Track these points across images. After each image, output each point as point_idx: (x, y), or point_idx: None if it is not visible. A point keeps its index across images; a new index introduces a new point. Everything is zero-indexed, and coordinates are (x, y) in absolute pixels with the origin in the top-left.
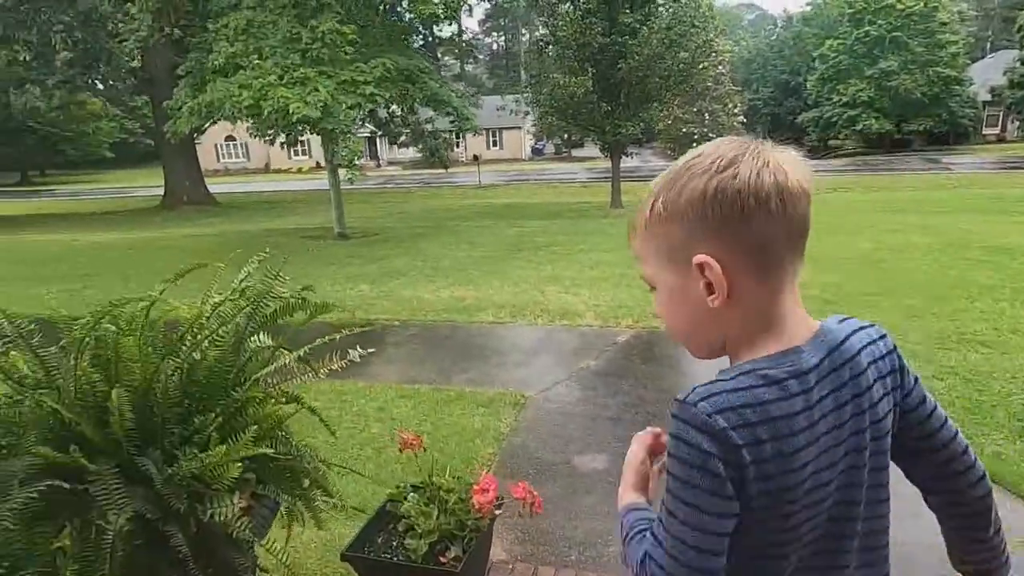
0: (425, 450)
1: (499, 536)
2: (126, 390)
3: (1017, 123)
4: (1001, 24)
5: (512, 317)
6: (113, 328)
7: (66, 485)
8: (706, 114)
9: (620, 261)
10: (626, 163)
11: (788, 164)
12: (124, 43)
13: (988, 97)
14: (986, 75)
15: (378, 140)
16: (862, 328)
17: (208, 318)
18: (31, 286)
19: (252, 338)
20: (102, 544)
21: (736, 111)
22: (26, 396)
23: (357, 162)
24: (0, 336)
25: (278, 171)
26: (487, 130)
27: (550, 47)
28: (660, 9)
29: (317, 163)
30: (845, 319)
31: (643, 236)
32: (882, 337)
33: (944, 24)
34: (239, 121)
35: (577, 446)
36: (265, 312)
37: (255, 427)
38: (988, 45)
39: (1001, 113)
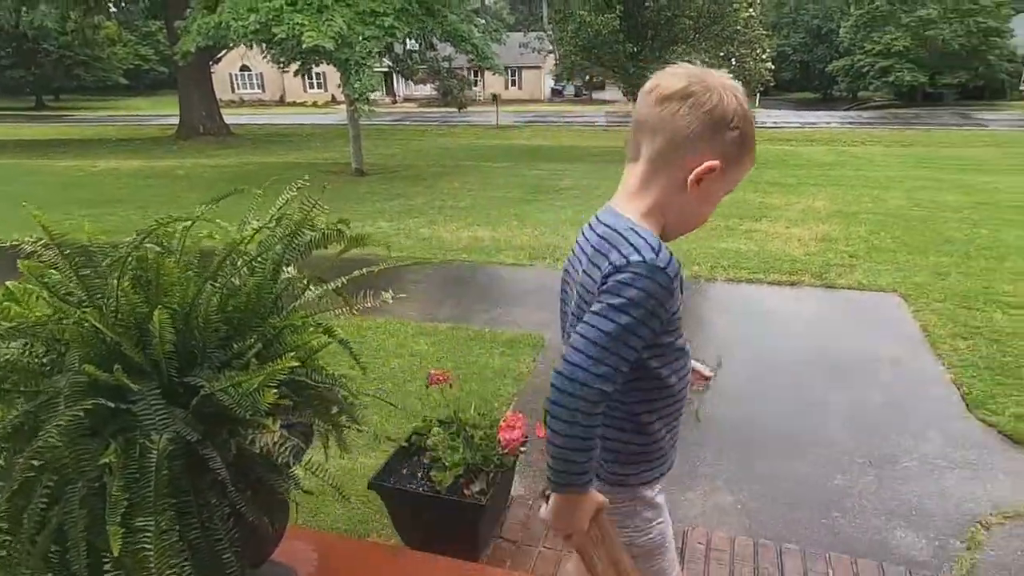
0: (452, 386)
1: (520, 473)
2: (167, 312)
3: None
4: None
5: (531, 260)
6: (157, 248)
7: (110, 404)
8: (733, 59)
9: None
10: None
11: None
12: None
13: None
14: None
15: (395, 76)
16: (624, 229)
17: (247, 244)
18: (56, 210)
19: (285, 268)
20: (146, 463)
21: (764, 57)
22: (70, 314)
23: (371, 96)
24: (43, 257)
25: (293, 104)
26: (506, 69)
27: None
28: None
29: (333, 97)
30: (629, 225)
31: None
32: (633, 249)
33: None
34: (253, 46)
35: None
36: (302, 242)
37: (293, 353)
38: None
39: None
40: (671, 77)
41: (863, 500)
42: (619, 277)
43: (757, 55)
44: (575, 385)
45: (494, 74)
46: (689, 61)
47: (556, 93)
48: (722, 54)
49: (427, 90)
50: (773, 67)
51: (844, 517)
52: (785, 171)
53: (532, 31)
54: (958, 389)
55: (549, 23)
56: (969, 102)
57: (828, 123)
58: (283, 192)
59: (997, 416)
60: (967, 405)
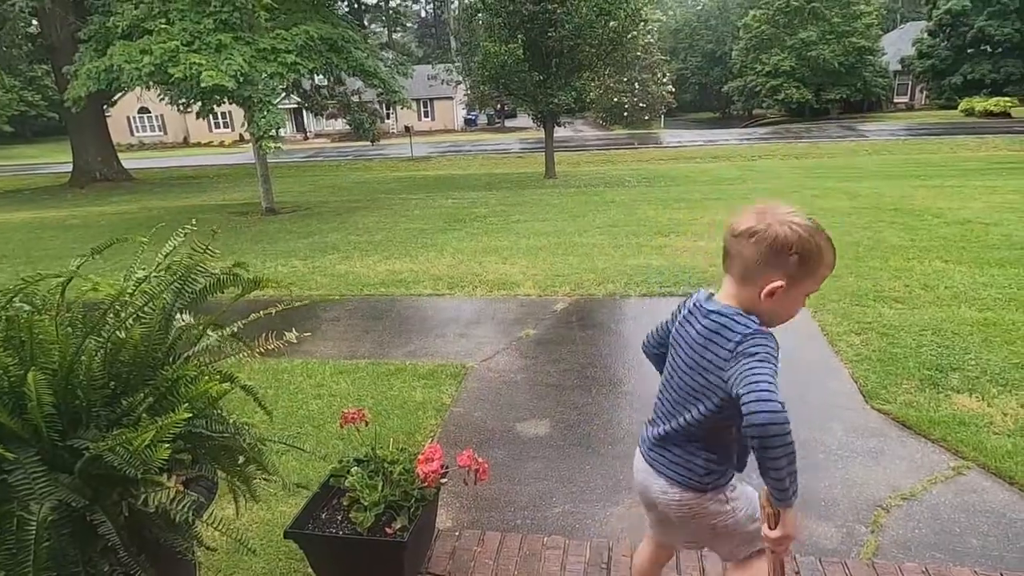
0: (368, 424)
1: (445, 505)
2: (44, 373)
3: (924, 92)
4: None
5: (450, 289)
6: (27, 307)
7: None
8: (636, 83)
9: (556, 231)
10: (559, 133)
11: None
12: (14, 4)
13: (898, 67)
14: (896, 46)
15: (305, 112)
16: (736, 318)
17: (132, 294)
18: None
19: (180, 316)
20: (24, 536)
21: (665, 80)
22: None
23: (279, 133)
24: None
25: (198, 144)
26: (418, 100)
27: (480, 15)
28: None
29: (240, 136)
30: (733, 313)
31: None
32: (744, 328)
33: None
34: (149, 88)
35: (520, 413)
36: (194, 288)
37: (187, 405)
38: (898, 17)
39: (910, 82)
40: (741, 216)
41: None
42: (748, 343)
43: (658, 79)
44: (779, 416)
45: (403, 108)
46: (595, 87)
47: (469, 122)
48: (626, 79)
49: (339, 125)
50: (674, 90)
51: None
52: (691, 187)
53: (441, 63)
54: (855, 382)
55: (456, 54)
56: (851, 115)
57: (728, 140)
58: (171, 238)
59: (890, 404)
60: (864, 396)
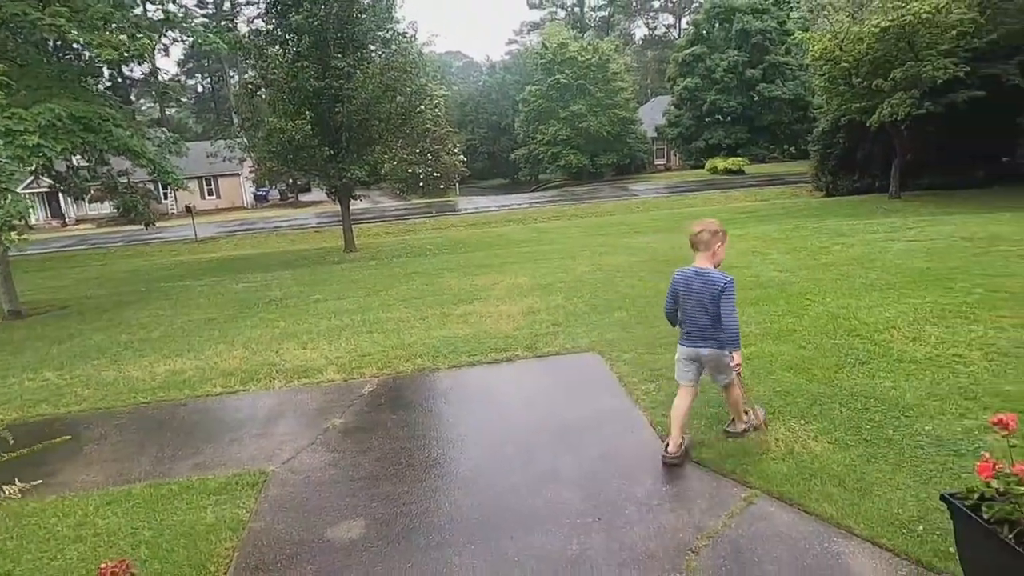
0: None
1: None
2: None
3: (677, 155)
4: (655, 75)
5: (244, 384)
6: None
7: None
8: (429, 154)
9: (358, 308)
10: (357, 205)
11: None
12: None
13: (654, 134)
14: (651, 116)
15: (61, 196)
16: (712, 273)
17: None
18: None
19: None
20: None
21: (456, 150)
22: None
23: (26, 221)
24: None
25: None
26: (199, 178)
27: (262, 90)
28: (372, 55)
29: None
30: (709, 270)
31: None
32: (720, 278)
33: (616, 74)
34: None
35: (330, 517)
36: None
37: None
38: (648, 91)
39: (665, 147)
40: (696, 225)
41: (599, 559)
42: (726, 286)
43: (449, 149)
44: (736, 322)
45: (177, 188)
46: (388, 159)
47: (260, 198)
48: (418, 150)
49: (107, 208)
50: (465, 159)
51: None
52: (490, 252)
53: (221, 139)
54: (654, 428)
55: (239, 130)
56: (622, 176)
57: (519, 204)
58: None
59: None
60: (663, 441)
